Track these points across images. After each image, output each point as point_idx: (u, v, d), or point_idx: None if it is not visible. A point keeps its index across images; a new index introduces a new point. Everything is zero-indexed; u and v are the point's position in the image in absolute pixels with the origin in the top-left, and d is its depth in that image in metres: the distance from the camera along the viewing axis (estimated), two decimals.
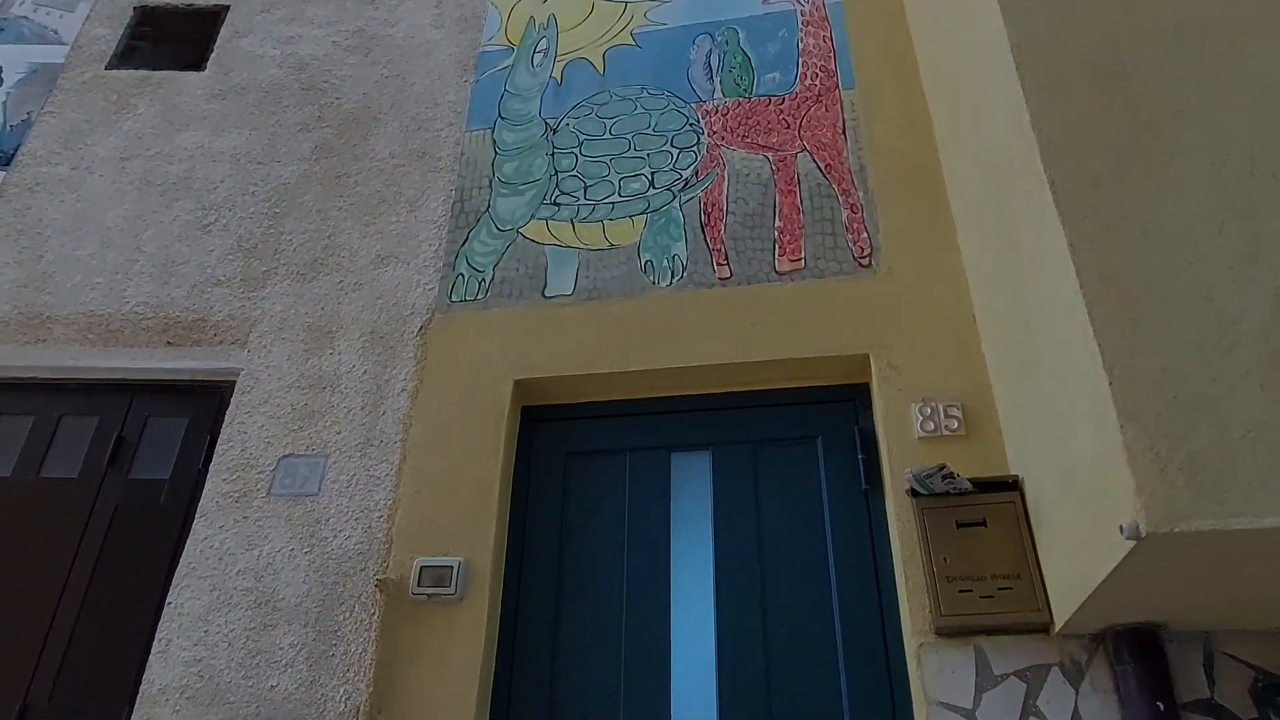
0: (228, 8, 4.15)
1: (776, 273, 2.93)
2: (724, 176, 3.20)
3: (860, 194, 3.03)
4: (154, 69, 3.95)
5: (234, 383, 3.10)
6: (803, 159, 3.16)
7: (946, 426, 2.52)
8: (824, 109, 3.27)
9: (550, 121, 3.53)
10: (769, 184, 3.14)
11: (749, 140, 3.27)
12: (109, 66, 3.96)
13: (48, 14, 4.13)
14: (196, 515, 2.80)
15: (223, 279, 3.32)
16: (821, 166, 3.13)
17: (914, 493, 2.36)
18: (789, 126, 3.26)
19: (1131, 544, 1.59)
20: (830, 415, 2.76)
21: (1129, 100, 2.02)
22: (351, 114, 3.74)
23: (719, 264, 3.00)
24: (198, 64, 3.95)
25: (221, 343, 3.20)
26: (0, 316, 3.26)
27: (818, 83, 3.35)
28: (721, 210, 3.11)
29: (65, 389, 3.22)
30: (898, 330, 2.72)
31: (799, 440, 2.74)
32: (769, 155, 3.21)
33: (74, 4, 4.16)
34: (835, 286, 2.86)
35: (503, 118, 3.59)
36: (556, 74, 3.67)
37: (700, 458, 2.80)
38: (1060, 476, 2.05)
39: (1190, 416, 1.65)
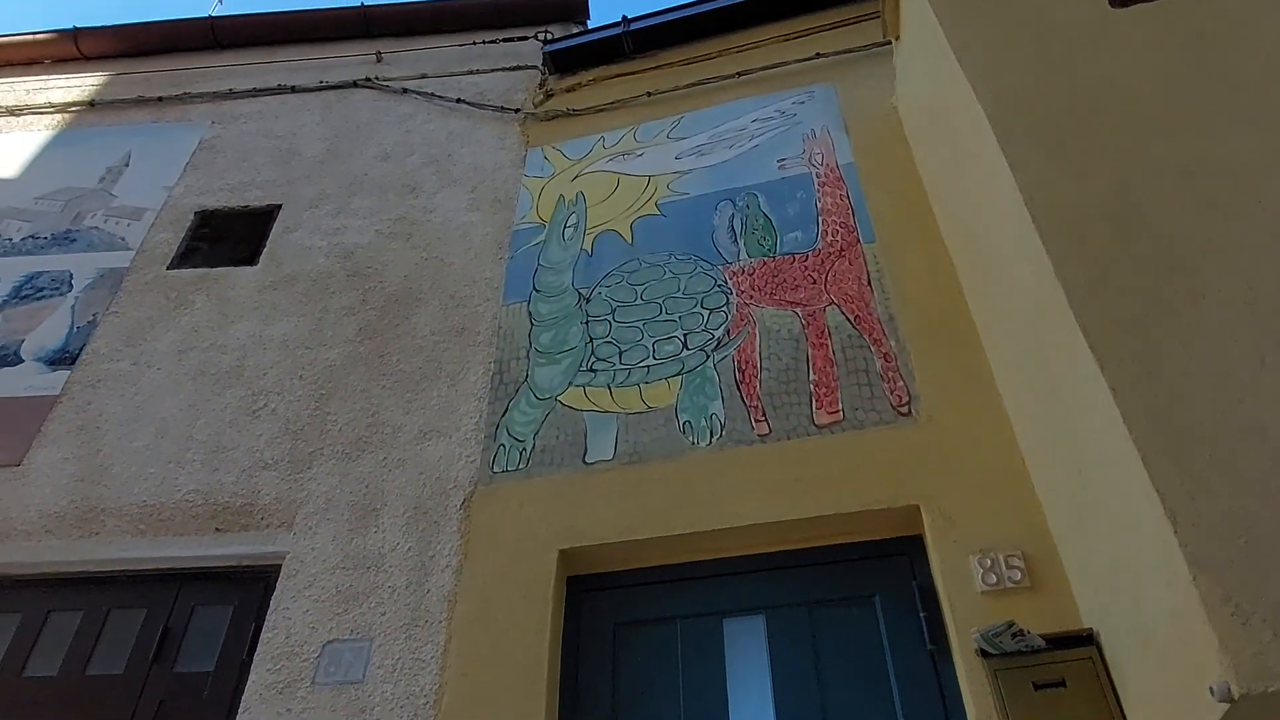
0: (280, 206, 4.46)
1: (815, 426, 2.93)
2: (755, 334, 3.26)
3: (892, 343, 3.06)
4: (211, 266, 4.21)
5: (280, 566, 3.10)
6: (831, 312, 3.22)
7: (1009, 579, 2.42)
8: (847, 263, 3.36)
9: (583, 291, 3.66)
10: (800, 339, 3.19)
11: (777, 297, 3.35)
12: (170, 267, 4.23)
13: (117, 223, 4.47)
14: (240, 709, 2.73)
15: (270, 462, 3.39)
16: (851, 318, 3.18)
17: (984, 653, 2.23)
18: (815, 282, 3.34)
19: (1225, 707, 1.48)
20: (886, 571, 2.67)
21: (1150, 244, 2.05)
22: (394, 295, 3.92)
23: (757, 421, 3.00)
24: (251, 259, 4.21)
25: (268, 526, 3.23)
26: (57, 511, 3.33)
27: (839, 239, 3.46)
28: (755, 367, 3.15)
29: (115, 581, 3.24)
30: (946, 479, 2.67)
31: (856, 600, 2.64)
32: (798, 311, 3.27)
33: (141, 213, 4.50)
34: (877, 437, 2.84)
35: (537, 290, 3.74)
36: (587, 246, 3.84)
37: (754, 623, 2.70)
38: (1137, 630, 1.93)
39: (1264, 561, 1.57)
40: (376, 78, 5.16)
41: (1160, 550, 1.69)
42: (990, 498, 2.59)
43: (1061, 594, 2.39)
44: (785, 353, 3.16)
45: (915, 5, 3.25)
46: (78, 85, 5.49)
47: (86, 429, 3.60)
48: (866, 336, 3.11)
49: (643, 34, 4.71)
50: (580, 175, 4.22)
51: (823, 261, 3.41)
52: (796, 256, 3.46)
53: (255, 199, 4.54)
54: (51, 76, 5.56)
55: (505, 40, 5.25)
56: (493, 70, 5.09)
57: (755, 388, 3.10)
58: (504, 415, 3.33)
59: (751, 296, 3.39)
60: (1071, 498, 2.30)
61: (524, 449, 3.19)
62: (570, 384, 3.34)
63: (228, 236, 4.45)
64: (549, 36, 5.09)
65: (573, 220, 3.99)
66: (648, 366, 3.28)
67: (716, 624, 2.72)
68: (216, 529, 3.25)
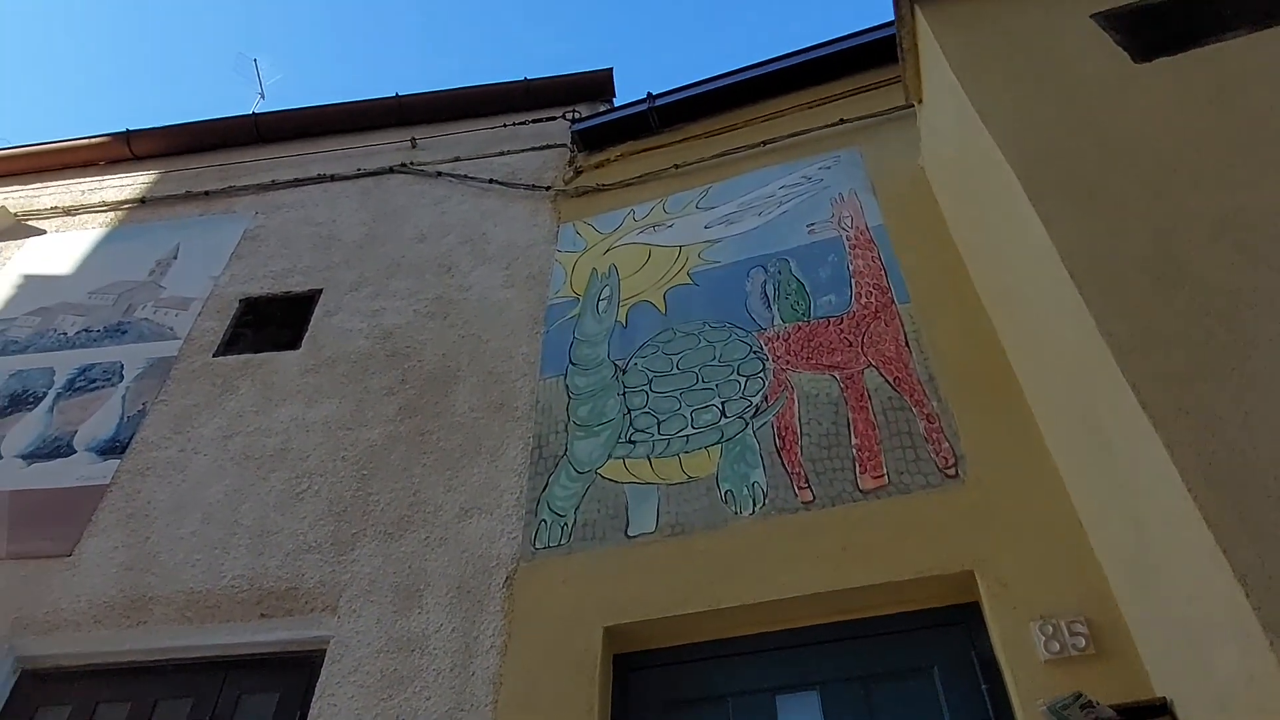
0: (321, 291, 4.58)
1: (860, 491, 2.88)
2: (793, 399, 3.23)
3: (934, 404, 3.02)
4: (255, 352, 4.31)
5: (325, 651, 3.08)
6: (870, 374, 3.20)
7: (1074, 645, 2.32)
8: (883, 324, 3.34)
9: (619, 363, 3.68)
10: (839, 402, 3.16)
11: (813, 361, 3.34)
12: (216, 354, 4.34)
13: (165, 314, 4.61)
14: None
15: (314, 544, 3.41)
16: (890, 380, 3.15)
17: None
18: (851, 345, 3.33)
19: None
20: (943, 642, 2.58)
21: (1193, 296, 2.02)
22: (432, 374, 3.97)
23: (800, 488, 2.96)
24: (294, 343, 4.30)
25: (313, 610, 3.22)
26: (107, 600, 3.36)
27: (873, 300, 3.45)
28: (795, 433, 3.12)
29: (163, 670, 3.24)
30: (1000, 543, 2.59)
31: (914, 672, 2.55)
32: (836, 374, 3.25)
33: (188, 303, 4.64)
34: (924, 501, 2.78)
35: (574, 363, 3.76)
36: (621, 318, 3.88)
37: (808, 700, 2.61)
38: (1215, 697, 1.84)
39: None
40: (411, 163, 5.33)
41: (1232, 613, 1.62)
42: (1048, 561, 2.51)
43: (1130, 661, 2.29)
44: (825, 417, 3.13)
45: (936, 68, 3.30)
46: (130, 184, 5.74)
47: (135, 517, 3.65)
48: (907, 398, 3.07)
49: (667, 109, 4.83)
50: (612, 248, 4.29)
51: (858, 324, 3.39)
52: (831, 320, 3.46)
53: (297, 285, 4.67)
54: (106, 177, 5.83)
55: (534, 121, 5.41)
56: (523, 150, 5.24)
57: (796, 454, 3.06)
58: (544, 490, 3.32)
59: (788, 362, 3.38)
60: (1134, 560, 2.22)
61: (565, 524, 3.17)
62: (610, 456, 3.33)
63: (271, 322, 4.56)
64: (576, 115, 5.24)
65: (606, 293, 4.04)
66: (687, 436, 3.27)
67: (769, 701, 2.64)
68: (262, 614, 3.25)
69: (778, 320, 3.56)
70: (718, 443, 3.20)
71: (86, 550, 3.55)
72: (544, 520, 3.21)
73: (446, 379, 3.93)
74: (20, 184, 5.92)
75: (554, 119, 5.38)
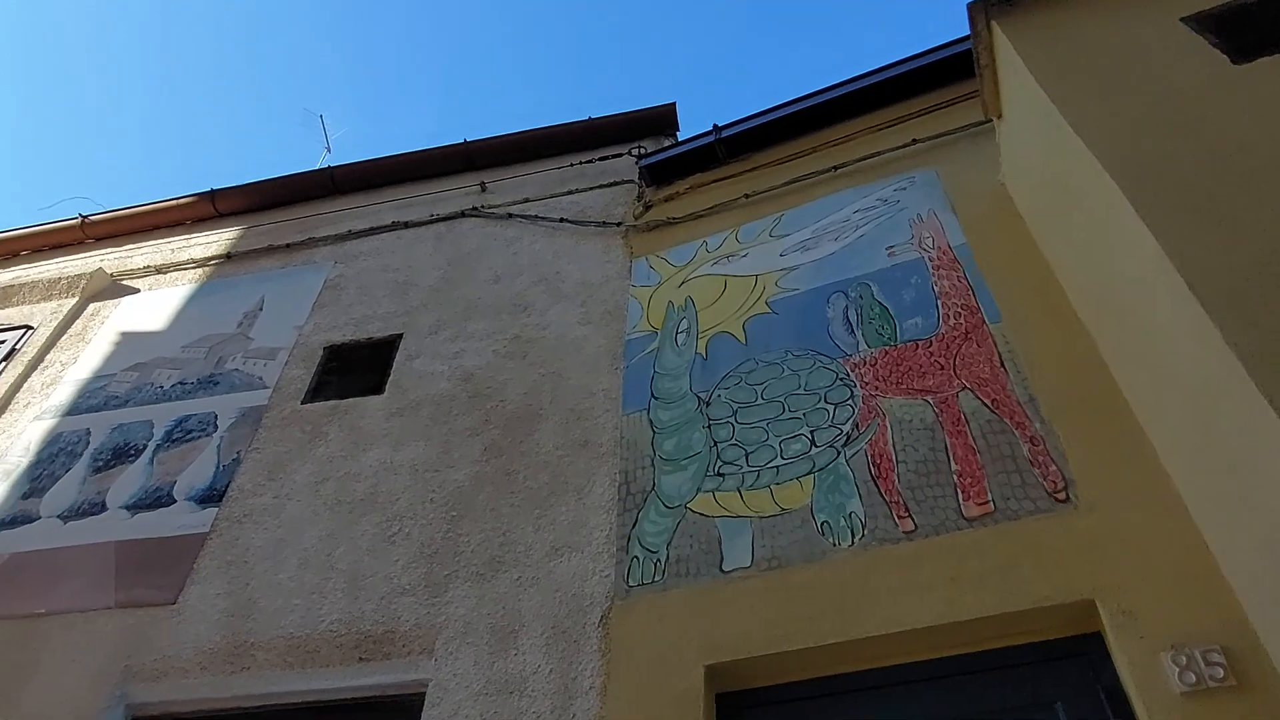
0: (401, 335, 4.66)
1: (965, 519, 2.78)
2: (886, 426, 3.16)
3: (1037, 425, 2.91)
4: (341, 398, 4.40)
5: (423, 695, 3.08)
6: (965, 397, 3.10)
7: (1211, 676, 2.19)
8: (975, 345, 3.25)
9: (702, 395, 3.65)
10: (935, 428, 3.07)
11: (904, 386, 3.26)
12: (304, 401, 4.44)
13: (254, 364, 4.75)
14: None
15: (408, 587, 3.43)
16: (988, 403, 3.05)
17: None
18: (943, 368, 3.24)
19: None
20: (1065, 676, 2.45)
21: None
22: (515, 413, 3.99)
23: (900, 517, 2.88)
24: (378, 388, 4.38)
25: (410, 653, 3.23)
26: (211, 647, 3.43)
27: (962, 321, 3.37)
28: (891, 460, 3.04)
29: (266, 715, 3.28)
30: (1121, 569, 2.47)
31: (1036, 708, 2.43)
32: (929, 399, 3.17)
33: (275, 353, 4.78)
34: (1035, 527, 2.67)
35: (656, 398, 3.75)
36: (701, 350, 3.85)
37: None
38: None
39: None
40: (482, 206, 5.43)
41: None
42: (1175, 587, 2.38)
43: (1274, 692, 2.15)
44: (921, 443, 3.04)
45: (1017, 82, 3.24)
46: (215, 240, 5.97)
47: (235, 564, 3.73)
48: (1008, 420, 2.97)
49: (734, 139, 4.84)
50: (687, 280, 4.28)
51: (948, 346, 3.31)
52: (919, 343, 3.38)
53: (378, 330, 4.77)
54: (193, 235, 6.08)
55: (600, 159, 5.47)
56: (591, 189, 5.29)
57: (894, 482, 2.98)
58: (634, 527, 3.29)
59: (877, 388, 3.30)
60: (1273, 584, 2.09)
61: (658, 560, 3.13)
62: (699, 490, 3.29)
63: (355, 368, 4.66)
64: (642, 151, 5.28)
65: (684, 325, 4.02)
66: (777, 467, 3.21)
67: None
68: (360, 658, 3.27)
69: (863, 346, 3.49)
70: (809, 473, 3.14)
71: (190, 598, 3.64)
72: (636, 557, 3.18)
73: (529, 418, 3.95)
74: (115, 246, 6.21)
75: (619, 156, 5.42)
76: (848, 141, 4.52)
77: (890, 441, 3.10)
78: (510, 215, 5.28)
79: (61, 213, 7.37)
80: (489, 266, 4.97)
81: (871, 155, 4.34)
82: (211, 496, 4.05)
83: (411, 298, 4.92)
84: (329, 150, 8.60)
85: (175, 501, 4.08)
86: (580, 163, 5.52)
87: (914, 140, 4.28)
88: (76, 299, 5.62)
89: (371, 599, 3.43)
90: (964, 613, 2.58)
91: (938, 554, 2.74)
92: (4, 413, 4.91)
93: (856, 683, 2.68)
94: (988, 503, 2.78)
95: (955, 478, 2.89)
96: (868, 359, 3.43)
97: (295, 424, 4.33)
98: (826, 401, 3.35)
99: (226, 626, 3.49)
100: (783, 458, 3.23)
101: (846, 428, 3.22)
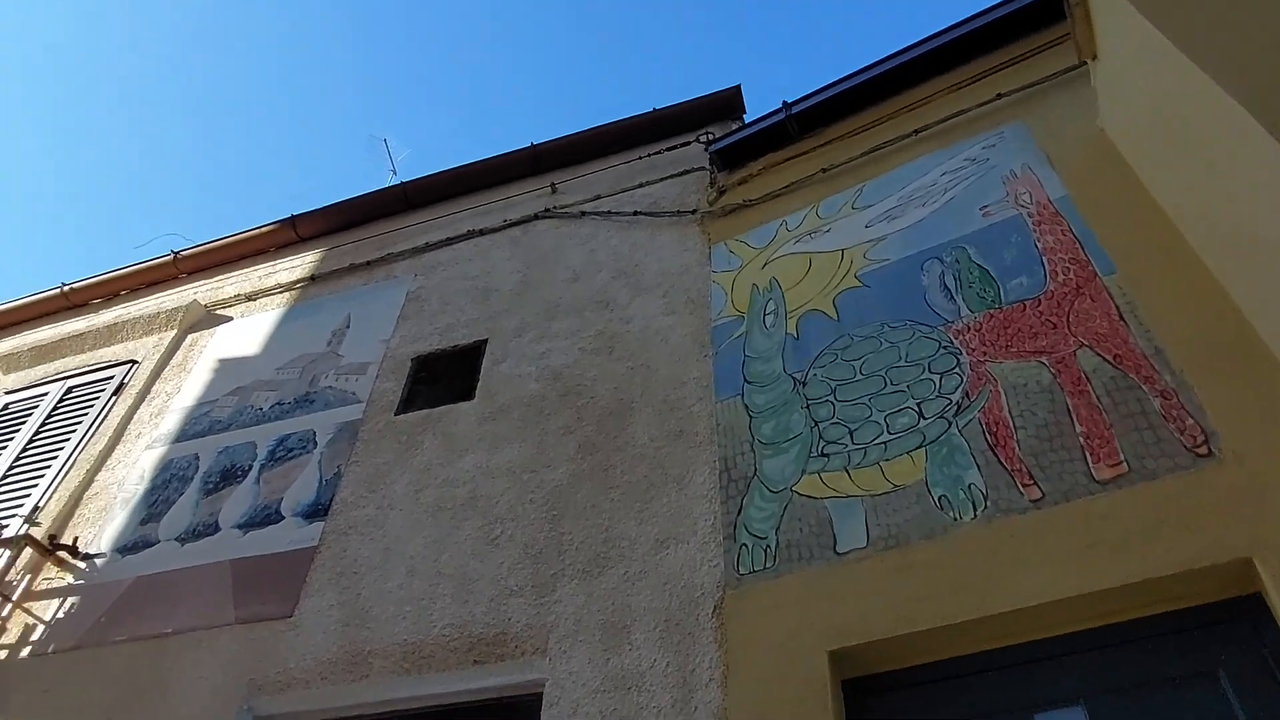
0: (486, 340, 4.68)
1: (1097, 482, 2.61)
2: (999, 392, 3.00)
3: (1167, 378, 2.72)
4: (433, 406, 4.43)
5: (541, 695, 3.06)
6: (1084, 355, 2.93)
7: None
8: (1089, 300, 3.07)
9: (797, 376, 3.54)
10: (1053, 389, 2.90)
11: (1014, 349, 3.09)
12: (397, 413, 4.49)
13: (346, 379, 4.84)
14: None
15: (516, 589, 3.42)
16: (1110, 359, 2.87)
17: None
18: (1055, 326, 3.07)
19: None
20: (1225, 640, 2.27)
21: None
22: (607, 409, 3.95)
23: (1024, 485, 2.72)
24: (468, 394, 4.40)
25: (523, 654, 3.22)
26: (329, 657, 3.48)
27: (1072, 276, 3.18)
28: (1009, 427, 2.88)
29: None
30: (1278, 523, 2.27)
31: (1196, 677, 2.26)
32: (1043, 359, 3.00)
33: (366, 367, 4.85)
34: (1176, 485, 2.49)
35: (749, 382, 3.66)
36: (791, 330, 3.75)
37: (1073, 716, 2.36)
38: None
39: None
40: (555, 207, 5.43)
41: None
42: None
43: None
44: (1040, 407, 2.88)
45: (1116, 19, 3.04)
46: (299, 264, 6.12)
47: (345, 575, 3.78)
48: (1134, 376, 2.78)
49: (805, 115, 4.71)
50: (769, 262, 4.18)
51: (1058, 303, 3.13)
52: (1026, 303, 3.21)
53: (463, 338, 4.80)
54: (278, 260, 6.25)
55: (669, 149, 5.40)
56: (662, 179, 5.23)
57: (1013, 449, 2.82)
58: (739, 514, 3.21)
59: (985, 353, 3.15)
60: None
61: (768, 546, 3.04)
62: (803, 472, 3.19)
63: (443, 376, 4.70)
64: (711, 137, 5.19)
65: (771, 307, 3.92)
66: (884, 443, 3.09)
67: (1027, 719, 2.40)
68: (475, 661, 3.27)
69: (965, 311, 3.33)
70: (920, 446, 3.01)
71: (305, 610, 3.70)
72: (744, 544, 3.10)
73: (622, 412, 3.91)
74: (206, 277, 6.43)
75: (688, 144, 5.35)
76: (926, 104, 4.34)
77: (1005, 407, 2.94)
78: (583, 214, 5.26)
79: (154, 250, 7.69)
80: (567, 266, 4.95)
81: (955, 115, 4.16)
82: (317, 511, 4.13)
83: (493, 303, 4.93)
84: (394, 173, 8.75)
85: (283, 518, 4.17)
86: (648, 155, 5.46)
87: (999, 95, 4.08)
88: (175, 331, 5.83)
89: (480, 602, 3.43)
90: (1104, 581, 2.42)
91: (1070, 521, 2.58)
92: (118, 444, 5.12)
93: (991, 662, 2.54)
94: (1120, 464, 2.61)
95: (1081, 440, 2.72)
96: (971, 324, 3.27)
97: (390, 435, 4.38)
98: (931, 371, 3.21)
99: (343, 636, 3.54)
100: (890, 433, 3.10)
101: (956, 397, 3.07)
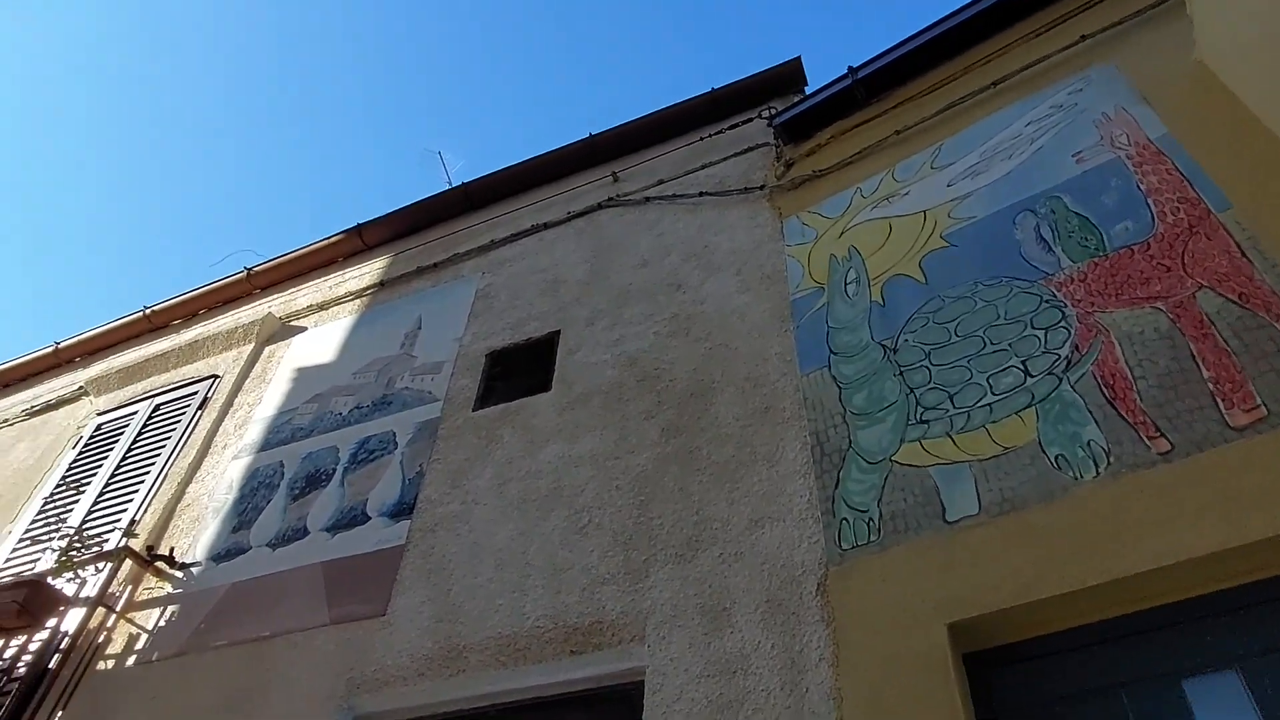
0: (558, 332, 4.63)
1: (1233, 429, 2.41)
2: (1112, 342, 2.81)
3: None
4: (510, 400, 4.40)
5: (642, 682, 2.97)
6: (1205, 297, 2.72)
7: None
8: (1205, 239, 2.85)
9: (886, 343, 3.39)
10: (1173, 335, 2.70)
11: (1125, 297, 2.89)
12: (475, 409, 4.47)
13: (422, 379, 4.84)
14: None
15: (608, 576, 3.34)
16: (1234, 298, 2.65)
17: None
18: (1169, 269, 2.86)
19: None
20: None
21: None
22: (687, 390, 3.86)
23: (1150, 438, 2.53)
24: (545, 386, 4.35)
25: (620, 642, 3.14)
26: (425, 654, 3.46)
27: (1183, 215, 2.97)
28: (1127, 378, 2.69)
29: (487, 716, 3.27)
30: None
31: None
32: (1159, 305, 2.80)
33: (440, 366, 4.85)
34: None
35: (835, 353, 3.52)
36: (877, 297, 3.60)
37: (1225, 681, 2.17)
38: None
39: None
40: (618, 195, 5.36)
41: None
42: None
43: None
44: (1160, 354, 2.68)
45: None
46: (366, 271, 6.18)
47: (435, 572, 3.76)
48: (1264, 314, 2.57)
49: (872, 79, 4.54)
50: (846, 230, 4.03)
51: (1170, 245, 2.92)
52: (1134, 248, 3.00)
53: (535, 331, 4.76)
54: (347, 269, 6.32)
55: (731, 128, 5.29)
56: (725, 159, 5.11)
57: (1134, 401, 2.63)
58: (836, 488, 3.08)
59: (1092, 304, 2.95)
60: None
61: (870, 519, 2.90)
62: (902, 441, 3.04)
63: (519, 370, 4.67)
64: (773, 111, 5.05)
65: (852, 276, 3.78)
66: (989, 405, 2.92)
67: (1173, 687, 2.22)
68: (571, 651, 3.21)
69: (1066, 262, 3.14)
70: (1029, 405, 2.83)
71: (398, 608, 3.69)
72: (844, 519, 2.97)
73: (703, 393, 3.80)
74: (279, 291, 6.54)
75: (750, 121, 5.23)
76: (1003, 54, 4.14)
77: (1121, 358, 2.75)
78: (647, 199, 5.17)
79: (228, 268, 7.88)
80: (634, 252, 4.88)
81: (1035, 63, 3.95)
82: (402, 510, 4.12)
83: (563, 294, 4.88)
84: (450, 183, 8.77)
85: (370, 519, 4.18)
86: (710, 135, 5.35)
87: (1082, 37, 3.86)
88: (253, 344, 5.94)
89: (573, 591, 3.36)
90: (1249, 534, 2.23)
91: (1205, 472, 2.38)
92: (206, 456, 5.22)
93: (1127, 627, 2.37)
94: (1257, 407, 2.41)
95: (1211, 386, 2.52)
96: (1075, 275, 3.08)
97: (470, 431, 4.36)
98: (1034, 328, 3.02)
99: (437, 632, 3.51)
100: (994, 394, 2.94)
101: (1064, 351, 2.89)
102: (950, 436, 2.93)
